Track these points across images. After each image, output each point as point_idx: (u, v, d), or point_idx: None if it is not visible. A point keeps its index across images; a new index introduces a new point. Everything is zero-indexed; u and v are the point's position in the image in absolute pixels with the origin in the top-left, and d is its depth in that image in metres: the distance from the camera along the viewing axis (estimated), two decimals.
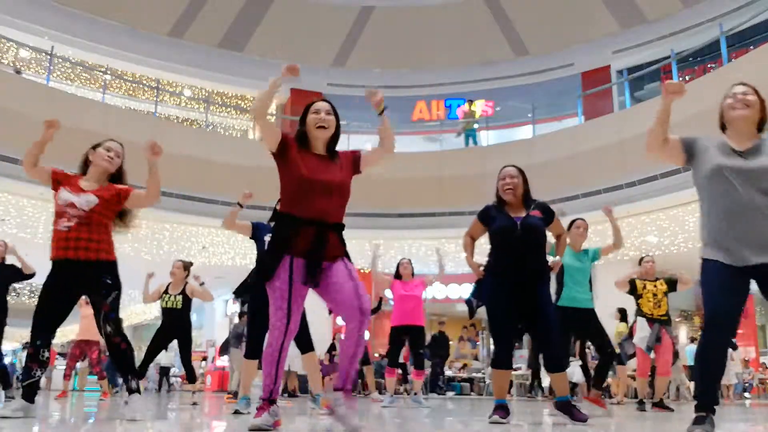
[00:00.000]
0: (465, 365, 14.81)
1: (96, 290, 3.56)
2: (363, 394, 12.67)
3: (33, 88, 11.10)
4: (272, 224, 3.04)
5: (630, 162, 10.54)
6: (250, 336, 4.60)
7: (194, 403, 6.43)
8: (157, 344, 6.70)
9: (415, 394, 7.19)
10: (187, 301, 6.76)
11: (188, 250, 13.41)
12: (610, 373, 11.68)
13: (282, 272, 2.81)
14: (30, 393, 3.54)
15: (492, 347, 17.56)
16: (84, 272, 3.51)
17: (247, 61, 15.76)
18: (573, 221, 5.39)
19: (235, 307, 18.15)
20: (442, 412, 5.76)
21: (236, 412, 4.60)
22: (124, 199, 3.71)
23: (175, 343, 6.87)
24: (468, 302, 4.07)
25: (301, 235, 2.84)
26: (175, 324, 6.72)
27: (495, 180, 3.96)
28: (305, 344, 4.81)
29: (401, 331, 6.77)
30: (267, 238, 4.61)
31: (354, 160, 3.08)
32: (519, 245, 3.74)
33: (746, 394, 12.70)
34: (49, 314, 3.56)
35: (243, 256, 14.21)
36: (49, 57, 12.41)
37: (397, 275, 6.92)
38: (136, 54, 15.06)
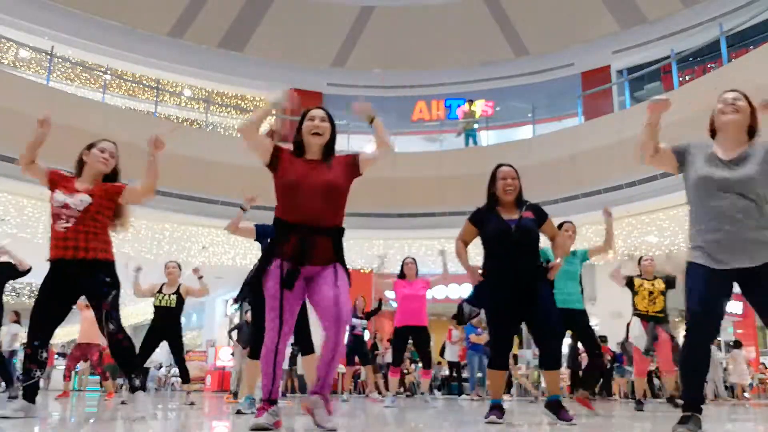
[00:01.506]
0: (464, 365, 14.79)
1: (94, 290, 3.55)
2: (359, 393, 12.69)
3: (33, 88, 11.10)
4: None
5: (630, 162, 10.47)
6: (254, 337, 4.60)
7: (191, 403, 6.44)
8: (150, 344, 6.70)
9: (422, 393, 7.13)
10: (180, 301, 6.79)
11: (188, 250, 13.41)
12: (616, 373, 11.74)
13: (273, 275, 2.87)
14: (31, 393, 3.55)
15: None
16: (81, 272, 3.51)
17: (247, 61, 15.76)
18: (561, 224, 5.36)
19: (235, 307, 18.16)
20: (441, 412, 5.76)
21: (239, 412, 4.60)
22: (118, 196, 3.71)
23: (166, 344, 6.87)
24: (459, 307, 4.03)
25: (290, 239, 2.88)
26: (168, 323, 6.73)
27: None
28: (306, 346, 4.82)
29: (405, 331, 6.67)
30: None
31: (351, 162, 3.07)
32: (514, 248, 3.72)
33: (746, 395, 12.72)
34: (46, 315, 3.55)
35: (243, 256, 14.21)
36: (49, 57, 12.41)
37: (401, 275, 6.82)
38: (136, 54, 15.07)
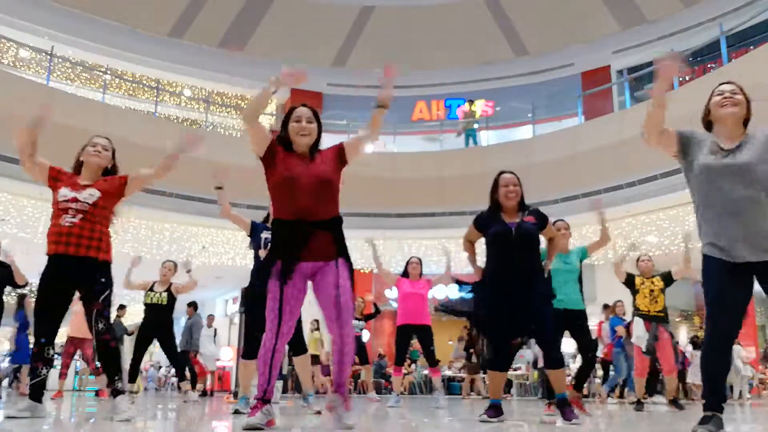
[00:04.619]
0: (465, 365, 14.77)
1: (89, 288, 3.53)
2: (358, 393, 12.68)
3: (33, 88, 11.10)
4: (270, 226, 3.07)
5: (630, 162, 10.54)
6: (247, 337, 4.62)
7: (186, 401, 6.47)
8: (143, 342, 6.74)
9: (436, 390, 7.17)
10: (171, 299, 6.85)
11: (188, 250, 13.40)
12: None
13: (274, 276, 2.88)
14: (37, 393, 3.51)
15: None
16: (79, 268, 3.48)
17: (247, 61, 15.75)
18: (554, 222, 5.35)
19: (235, 308, 18.17)
20: (442, 412, 5.76)
21: (236, 411, 4.60)
22: (123, 186, 3.70)
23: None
24: (475, 309, 4.10)
25: (288, 236, 2.89)
26: (159, 320, 6.79)
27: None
28: (298, 346, 4.84)
29: (408, 330, 6.64)
30: (264, 235, 4.65)
31: (338, 152, 3.09)
32: (514, 250, 3.82)
33: (747, 394, 12.72)
34: (49, 311, 3.53)
35: (243, 256, 14.19)
36: (49, 57, 12.41)
37: (405, 274, 6.79)
38: (136, 54, 15.07)
